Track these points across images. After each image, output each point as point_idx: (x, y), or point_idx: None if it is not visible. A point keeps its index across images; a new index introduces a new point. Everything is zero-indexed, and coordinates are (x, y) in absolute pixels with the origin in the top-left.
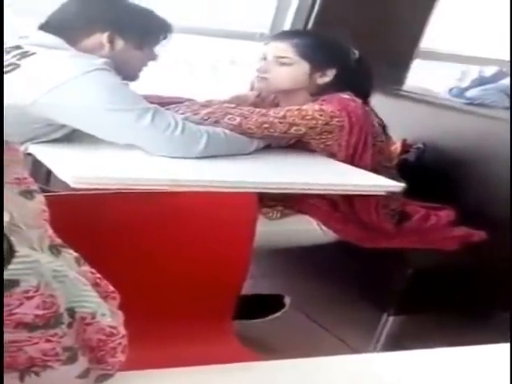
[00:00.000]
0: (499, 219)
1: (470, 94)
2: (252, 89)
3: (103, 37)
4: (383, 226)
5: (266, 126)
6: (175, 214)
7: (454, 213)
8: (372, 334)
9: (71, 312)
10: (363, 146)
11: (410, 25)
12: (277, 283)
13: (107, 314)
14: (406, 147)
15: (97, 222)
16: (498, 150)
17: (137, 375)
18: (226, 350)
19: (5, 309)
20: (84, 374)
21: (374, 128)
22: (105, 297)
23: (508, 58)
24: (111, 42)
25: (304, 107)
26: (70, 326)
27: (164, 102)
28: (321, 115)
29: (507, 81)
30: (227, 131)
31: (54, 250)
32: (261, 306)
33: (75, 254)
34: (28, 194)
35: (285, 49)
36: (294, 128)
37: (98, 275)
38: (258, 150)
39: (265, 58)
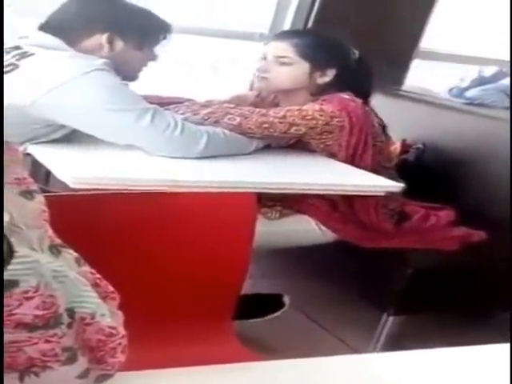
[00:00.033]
0: (499, 219)
1: (469, 94)
2: (252, 88)
3: (103, 37)
4: (382, 226)
5: (265, 125)
6: (175, 214)
7: (453, 213)
8: (372, 334)
9: (71, 312)
10: (363, 146)
11: (410, 24)
12: (276, 283)
13: (107, 315)
14: (405, 147)
15: (96, 223)
16: (497, 150)
17: (136, 375)
18: (226, 350)
19: (4, 309)
20: (84, 375)
21: (374, 128)
22: (104, 297)
23: (508, 58)
24: (111, 42)
25: (304, 107)
26: (69, 326)
27: (164, 103)
28: (321, 115)
29: (507, 81)
30: (227, 131)
31: (54, 250)
32: (260, 305)
33: (75, 255)
34: (28, 194)
35: (285, 48)
36: (294, 128)
37: (98, 275)
38: (257, 150)
39: (265, 58)
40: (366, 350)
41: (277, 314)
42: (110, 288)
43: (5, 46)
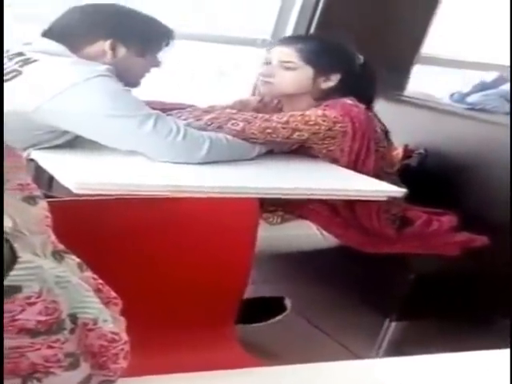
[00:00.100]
0: (501, 224)
1: (471, 99)
2: (255, 93)
3: (105, 44)
4: (384, 231)
5: (268, 131)
6: (177, 219)
7: (455, 218)
8: (374, 339)
9: (73, 318)
10: (366, 151)
11: (412, 29)
12: (278, 288)
13: (109, 320)
14: (407, 152)
15: (99, 228)
16: (499, 155)
17: (139, 381)
18: (228, 355)
19: (7, 315)
20: (86, 380)
21: (377, 134)
22: (107, 303)
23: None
24: (113, 49)
25: (307, 112)
26: (72, 331)
27: (166, 108)
28: (324, 120)
29: (507, 86)
30: (229, 137)
31: (57, 255)
32: (262, 309)
33: (77, 260)
34: (31, 199)
35: (289, 53)
36: (297, 133)
37: (100, 281)
38: (260, 156)
39: (269, 63)
40: (368, 355)
41: (279, 317)
42: (113, 293)
43: (8, 53)
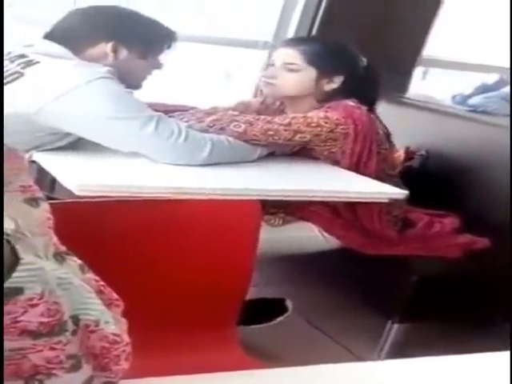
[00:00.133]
0: (503, 226)
1: (472, 101)
2: (257, 94)
3: (107, 46)
4: (386, 233)
5: (270, 133)
6: (179, 221)
7: (457, 220)
8: (376, 341)
9: (75, 319)
10: (368, 153)
11: (413, 32)
12: (280, 290)
13: (111, 322)
14: (409, 154)
15: (101, 230)
16: (500, 157)
17: (140, 383)
18: (230, 357)
19: (9, 316)
20: (88, 382)
21: (379, 136)
22: (108, 304)
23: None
24: (115, 51)
25: (309, 114)
26: (74, 333)
27: (169, 110)
28: (326, 122)
29: (509, 88)
30: (231, 139)
31: (59, 257)
32: (263, 310)
33: (79, 262)
34: (33, 201)
35: (293, 55)
36: (299, 135)
37: (102, 282)
38: (261, 158)
39: (273, 64)
40: (370, 357)
41: (280, 318)
42: (114, 295)
43: (10, 55)
